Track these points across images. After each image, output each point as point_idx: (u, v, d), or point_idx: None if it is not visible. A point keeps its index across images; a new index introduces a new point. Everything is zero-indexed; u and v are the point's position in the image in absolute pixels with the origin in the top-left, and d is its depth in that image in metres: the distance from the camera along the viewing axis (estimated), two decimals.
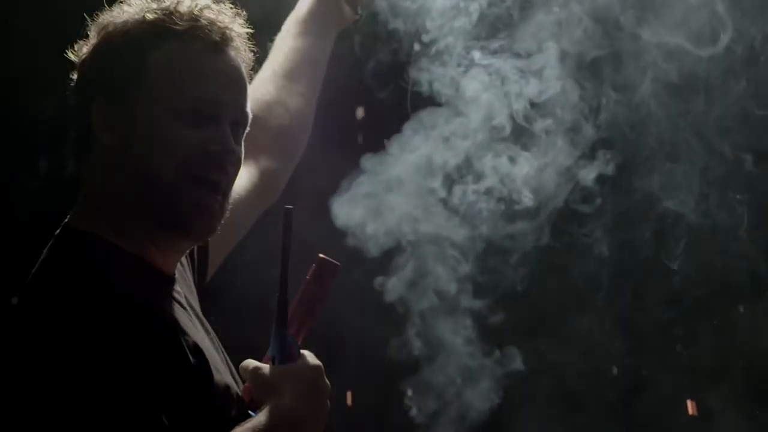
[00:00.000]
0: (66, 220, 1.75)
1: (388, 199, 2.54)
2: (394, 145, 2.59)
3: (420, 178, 2.53)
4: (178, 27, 1.71)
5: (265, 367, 1.70)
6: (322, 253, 1.79)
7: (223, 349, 1.83)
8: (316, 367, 1.70)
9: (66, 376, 1.53)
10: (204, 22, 1.72)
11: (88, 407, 1.52)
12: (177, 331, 1.70)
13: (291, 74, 2.33)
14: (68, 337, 1.55)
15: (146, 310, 1.67)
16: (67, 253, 1.69)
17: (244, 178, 2.14)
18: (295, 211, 1.75)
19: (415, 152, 2.55)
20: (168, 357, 1.63)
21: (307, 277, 1.79)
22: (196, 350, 1.69)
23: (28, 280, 1.66)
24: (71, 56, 1.76)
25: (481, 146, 2.52)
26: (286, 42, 2.37)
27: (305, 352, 1.72)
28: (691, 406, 2.95)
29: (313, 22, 2.41)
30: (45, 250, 1.71)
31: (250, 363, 1.72)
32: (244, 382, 1.73)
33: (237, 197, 2.01)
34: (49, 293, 1.61)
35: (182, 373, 1.64)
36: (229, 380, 1.75)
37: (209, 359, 1.71)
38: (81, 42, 1.76)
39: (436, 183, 2.54)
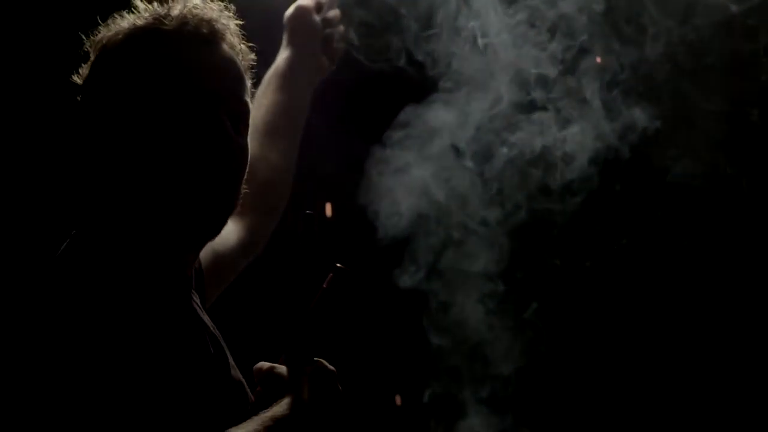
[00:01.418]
0: (81, 221, 1.78)
1: (416, 178, 2.53)
2: (417, 122, 2.58)
3: (439, 155, 2.52)
4: (167, 27, 1.76)
5: (282, 368, 1.71)
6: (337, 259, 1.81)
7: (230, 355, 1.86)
8: (331, 372, 1.71)
9: (83, 364, 1.54)
10: (191, 18, 1.77)
11: (105, 391, 1.54)
12: (199, 323, 1.74)
13: (272, 130, 2.38)
14: (85, 327, 1.57)
15: (169, 302, 1.71)
16: (85, 249, 1.71)
17: (230, 233, 2.18)
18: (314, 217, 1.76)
19: (436, 131, 2.54)
20: (189, 345, 1.67)
21: (324, 285, 1.79)
22: (215, 342, 1.74)
23: (44, 277, 1.66)
24: (76, 80, 1.80)
25: (502, 119, 2.51)
26: (266, 96, 2.43)
27: (319, 359, 1.73)
28: None
29: (293, 75, 2.46)
30: (62, 248, 1.73)
31: (265, 364, 1.73)
32: (255, 387, 1.73)
33: (222, 251, 2.12)
34: (71, 286, 1.63)
35: (202, 361, 1.68)
36: (242, 379, 1.79)
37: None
38: (84, 65, 1.80)
39: (460, 158, 2.53)
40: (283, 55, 2.49)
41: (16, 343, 1.56)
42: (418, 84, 2.54)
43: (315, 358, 1.72)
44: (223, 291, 2.21)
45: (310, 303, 1.76)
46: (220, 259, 2.12)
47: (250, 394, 1.77)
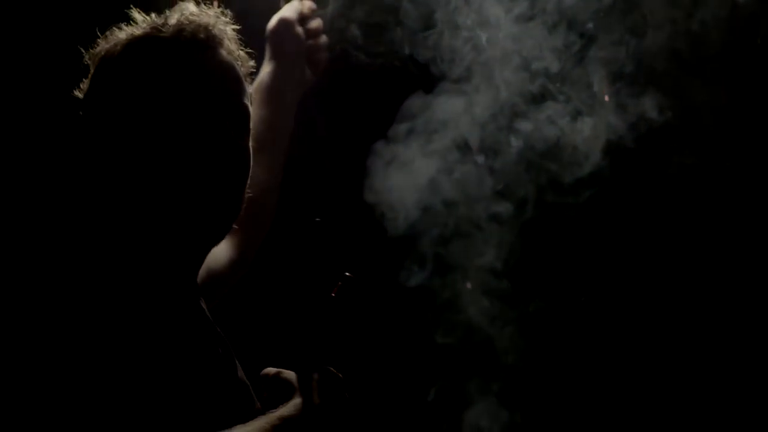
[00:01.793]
0: (90, 225, 1.78)
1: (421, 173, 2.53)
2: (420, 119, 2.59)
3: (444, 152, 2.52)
4: (164, 35, 1.78)
5: (288, 373, 1.73)
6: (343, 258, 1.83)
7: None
8: (338, 378, 1.73)
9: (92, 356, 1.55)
10: (188, 25, 1.79)
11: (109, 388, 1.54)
12: (207, 323, 1.77)
13: (258, 145, 2.35)
14: (97, 328, 1.58)
15: (179, 303, 1.73)
16: (96, 253, 1.71)
17: (221, 251, 2.18)
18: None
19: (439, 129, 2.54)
20: (198, 345, 1.69)
21: (332, 294, 1.81)
22: (223, 344, 1.76)
23: (56, 280, 1.65)
24: (78, 94, 1.80)
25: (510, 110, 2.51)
26: (252, 110, 2.42)
27: (326, 367, 1.75)
28: None
29: (278, 88, 2.45)
30: (69, 251, 1.72)
31: (272, 369, 1.74)
32: (261, 393, 1.75)
33: (215, 268, 2.14)
34: (83, 289, 1.62)
35: (211, 361, 1.70)
36: (247, 381, 1.80)
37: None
38: (84, 80, 1.82)
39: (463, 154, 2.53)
40: (266, 69, 2.46)
41: (27, 342, 1.55)
42: (420, 79, 2.54)
43: (323, 365, 1.74)
44: (229, 296, 2.21)
45: (318, 311, 1.78)
46: (213, 276, 2.13)
47: (256, 399, 1.78)
